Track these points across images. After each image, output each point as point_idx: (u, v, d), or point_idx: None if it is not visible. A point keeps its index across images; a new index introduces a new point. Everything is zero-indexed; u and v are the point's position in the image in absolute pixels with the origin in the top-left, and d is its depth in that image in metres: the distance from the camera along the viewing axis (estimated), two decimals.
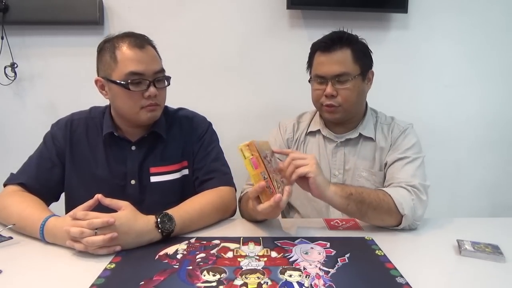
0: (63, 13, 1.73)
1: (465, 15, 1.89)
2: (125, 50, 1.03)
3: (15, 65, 1.79)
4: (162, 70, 1.09)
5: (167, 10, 1.82)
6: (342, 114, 1.18)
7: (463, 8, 1.88)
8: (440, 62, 1.93)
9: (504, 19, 1.90)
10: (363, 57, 1.18)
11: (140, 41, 1.05)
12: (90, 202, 0.90)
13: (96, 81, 1.08)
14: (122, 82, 1.02)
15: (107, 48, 1.05)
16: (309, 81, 1.25)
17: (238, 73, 1.89)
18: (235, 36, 1.86)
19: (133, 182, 1.12)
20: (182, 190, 1.15)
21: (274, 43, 1.86)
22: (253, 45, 1.87)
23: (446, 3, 1.87)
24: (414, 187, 1.05)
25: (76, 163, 1.12)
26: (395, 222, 1.01)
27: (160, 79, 1.07)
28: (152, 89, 1.04)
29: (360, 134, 1.23)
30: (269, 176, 0.88)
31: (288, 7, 1.79)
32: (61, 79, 1.83)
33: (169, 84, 1.11)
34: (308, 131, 1.30)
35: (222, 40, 1.86)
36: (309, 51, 1.24)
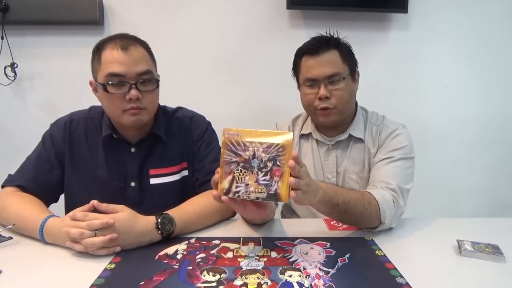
0: (63, 13, 1.73)
1: (465, 15, 1.89)
2: (108, 52, 0.99)
3: (15, 65, 1.79)
4: (148, 72, 1.02)
5: (167, 10, 1.82)
6: (337, 116, 1.16)
7: (463, 8, 1.88)
8: (440, 62, 1.93)
9: (504, 19, 1.90)
10: (350, 58, 1.18)
11: (125, 42, 1.00)
12: (86, 207, 0.87)
13: (90, 83, 1.07)
14: (103, 84, 1.00)
15: (96, 50, 1.03)
16: (298, 88, 1.23)
17: (238, 72, 1.89)
18: (235, 36, 1.86)
19: (133, 184, 1.11)
20: (182, 192, 1.14)
21: (274, 43, 1.86)
22: (253, 45, 1.87)
23: (446, 4, 1.88)
24: (393, 191, 1.03)
25: (76, 164, 1.11)
26: (371, 226, 1.00)
27: (145, 81, 1.02)
28: (133, 92, 0.99)
29: (350, 136, 1.21)
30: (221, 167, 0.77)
31: (288, 7, 1.79)
32: (61, 79, 1.83)
33: (157, 86, 1.06)
34: (300, 133, 1.29)
35: (221, 40, 1.86)
36: None
